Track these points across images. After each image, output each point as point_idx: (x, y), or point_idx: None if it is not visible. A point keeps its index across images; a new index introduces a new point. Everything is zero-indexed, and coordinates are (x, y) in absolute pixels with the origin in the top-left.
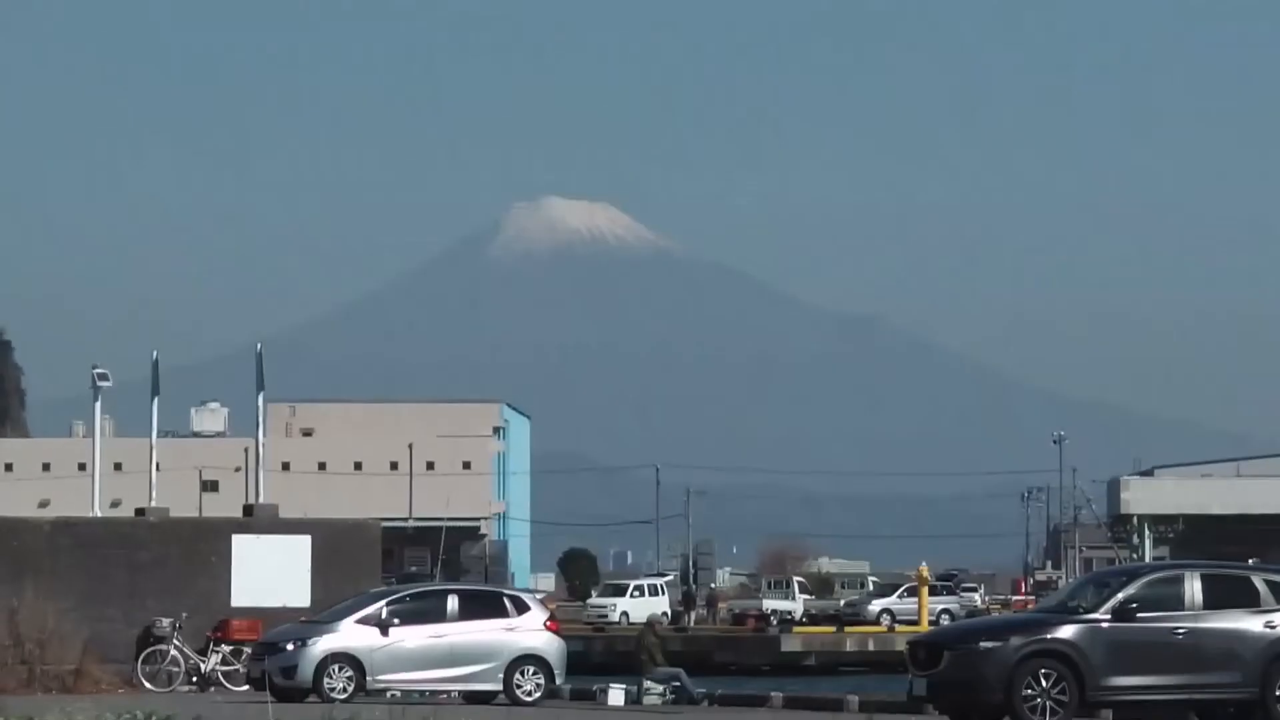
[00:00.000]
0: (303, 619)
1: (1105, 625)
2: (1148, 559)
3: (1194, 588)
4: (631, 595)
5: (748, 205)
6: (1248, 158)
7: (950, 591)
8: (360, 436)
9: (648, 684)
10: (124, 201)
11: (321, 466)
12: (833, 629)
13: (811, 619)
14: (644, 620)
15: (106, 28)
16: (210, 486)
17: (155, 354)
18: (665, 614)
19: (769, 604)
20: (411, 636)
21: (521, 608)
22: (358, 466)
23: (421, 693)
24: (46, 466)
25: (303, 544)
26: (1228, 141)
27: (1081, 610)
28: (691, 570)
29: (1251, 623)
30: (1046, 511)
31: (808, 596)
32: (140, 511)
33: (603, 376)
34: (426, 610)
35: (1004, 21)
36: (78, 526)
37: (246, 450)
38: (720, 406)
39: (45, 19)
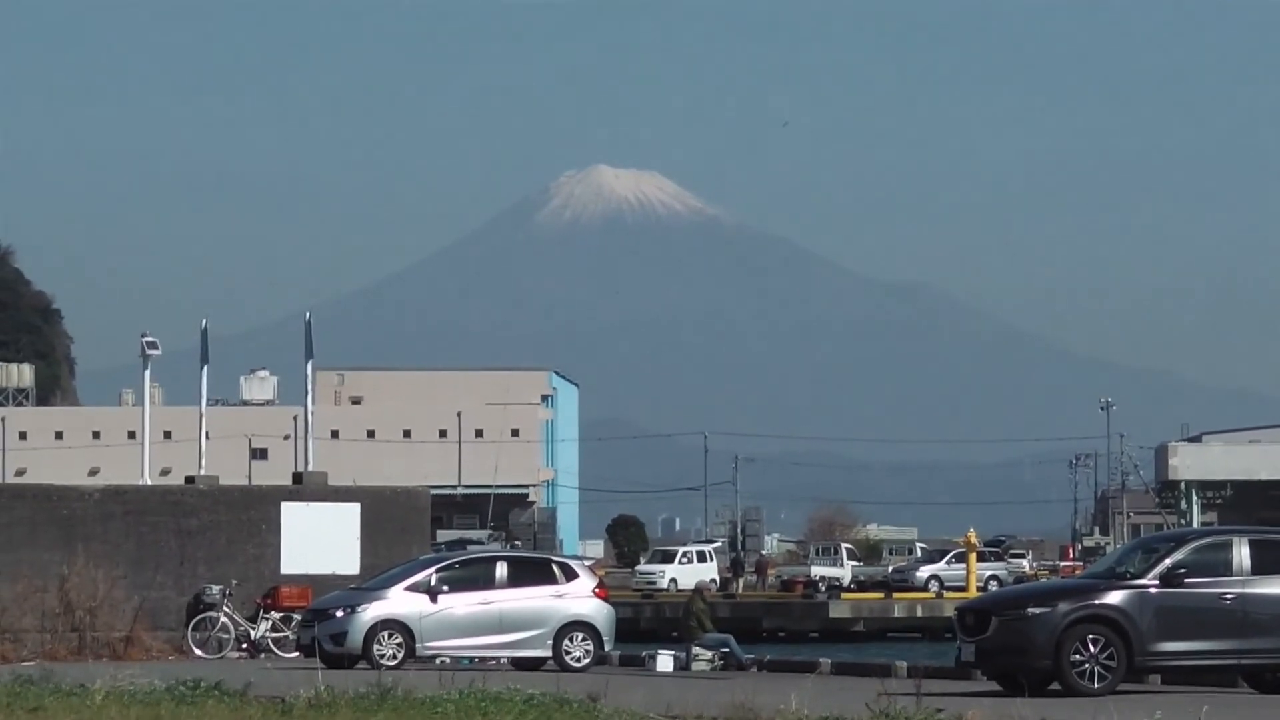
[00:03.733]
0: (352, 586)
1: (1153, 591)
2: (1195, 524)
3: (1242, 553)
4: (680, 562)
5: (796, 173)
6: None
7: (998, 557)
8: (409, 404)
9: (696, 650)
10: (172, 170)
11: (370, 434)
12: (881, 595)
13: (860, 585)
14: (692, 587)
15: None
16: (259, 454)
17: (205, 322)
18: (714, 580)
19: (817, 570)
20: (461, 603)
21: (570, 574)
22: (406, 434)
23: (471, 659)
24: (96, 435)
25: (352, 511)
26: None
27: (1129, 576)
28: (740, 537)
29: None
30: (1094, 478)
31: (856, 563)
32: (190, 479)
33: (651, 344)
34: (475, 577)
35: None
36: (128, 494)
37: (296, 418)
38: (768, 374)
39: None
